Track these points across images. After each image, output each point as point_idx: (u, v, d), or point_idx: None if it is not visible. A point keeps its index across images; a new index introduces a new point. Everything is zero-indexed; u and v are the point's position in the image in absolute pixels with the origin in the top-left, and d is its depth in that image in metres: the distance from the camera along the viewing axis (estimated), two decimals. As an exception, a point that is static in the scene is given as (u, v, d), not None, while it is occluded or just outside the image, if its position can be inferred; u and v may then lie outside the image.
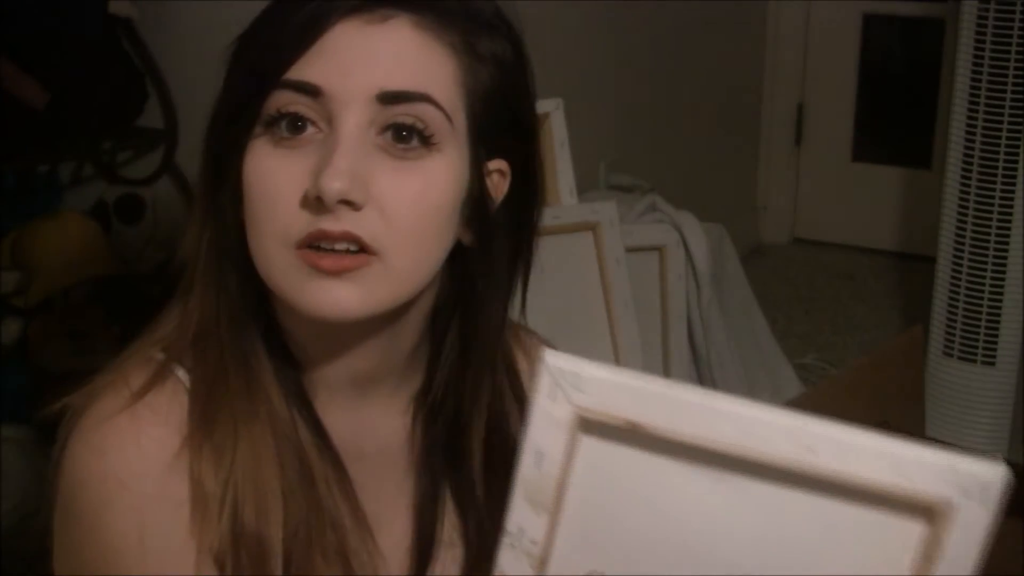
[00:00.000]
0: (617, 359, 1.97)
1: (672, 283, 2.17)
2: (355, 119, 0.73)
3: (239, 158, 0.76)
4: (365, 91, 0.73)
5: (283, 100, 0.74)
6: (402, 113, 0.74)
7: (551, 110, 1.97)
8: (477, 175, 0.79)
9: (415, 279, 0.77)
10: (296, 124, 0.74)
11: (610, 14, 2.75)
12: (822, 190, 3.81)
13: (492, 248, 0.82)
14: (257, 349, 0.80)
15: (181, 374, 0.80)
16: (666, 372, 2.18)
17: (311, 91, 0.73)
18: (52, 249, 1.92)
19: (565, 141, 1.98)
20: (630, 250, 2.05)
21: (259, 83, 0.74)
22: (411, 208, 0.74)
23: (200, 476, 0.77)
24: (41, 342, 1.87)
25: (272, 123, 0.74)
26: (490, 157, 0.80)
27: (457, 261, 0.81)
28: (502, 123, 0.80)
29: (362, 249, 0.73)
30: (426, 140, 0.75)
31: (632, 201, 2.31)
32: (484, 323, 0.84)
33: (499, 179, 0.81)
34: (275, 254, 0.75)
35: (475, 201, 0.79)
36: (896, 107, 3.77)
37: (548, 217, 2.19)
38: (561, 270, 1.97)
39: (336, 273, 0.73)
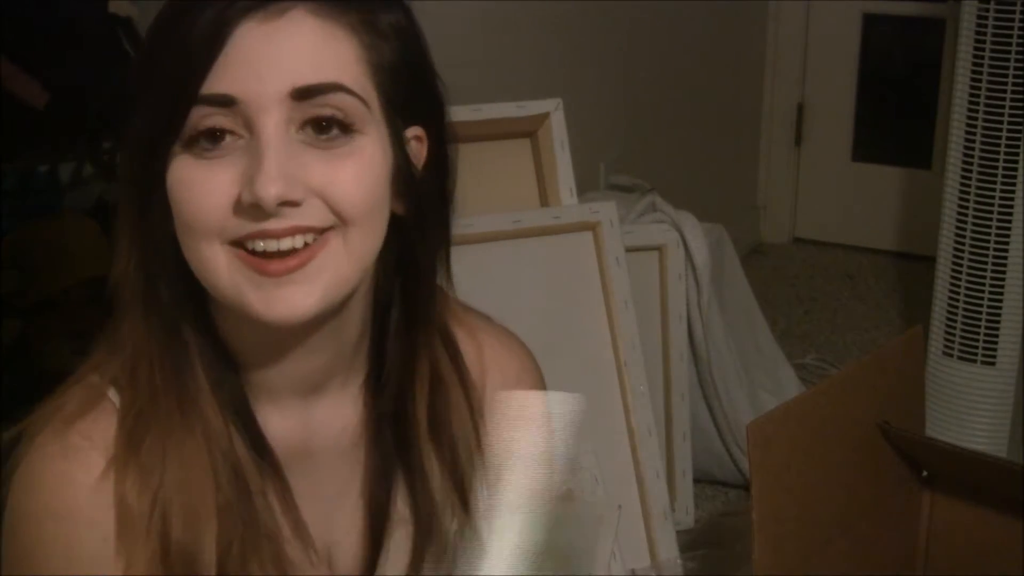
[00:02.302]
0: (617, 359, 1.97)
1: (672, 283, 2.17)
2: (273, 120, 0.73)
3: (161, 177, 0.75)
4: (278, 92, 0.73)
5: (198, 115, 0.73)
6: (318, 105, 0.74)
7: (551, 110, 1.97)
8: (399, 145, 0.80)
9: (367, 256, 0.78)
10: (214, 136, 0.74)
11: (610, 14, 2.74)
12: (822, 190, 3.81)
13: (423, 213, 0.83)
14: (193, 364, 0.80)
15: (112, 394, 0.81)
16: (666, 372, 2.18)
17: (225, 102, 0.73)
18: (52, 249, 1.92)
19: (565, 141, 1.98)
20: (630, 250, 2.05)
21: (172, 102, 0.74)
22: (350, 192, 0.75)
23: (125, 496, 0.78)
24: (41, 342, 1.87)
25: (191, 140, 0.74)
26: (407, 125, 0.81)
27: (391, 235, 0.82)
28: (412, 91, 0.80)
29: (317, 233, 0.74)
30: (347, 128, 0.75)
31: (632, 201, 2.31)
32: (424, 294, 0.85)
33: (417, 145, 0.82)
34: (213, 256, 0.75)
35: (401, 171, 0.80)
36: (896, 107, 3.77)
37: (548, 217, 2.20)
38: (561, 270, 1.97)
39: (284, 274, 0.74)
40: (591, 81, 2.71)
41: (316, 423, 0.85)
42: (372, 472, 0.87)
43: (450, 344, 0.90)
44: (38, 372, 1.84)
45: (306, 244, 0.75)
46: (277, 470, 0.83)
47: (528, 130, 1.98)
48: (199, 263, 0.76)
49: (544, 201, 2.00)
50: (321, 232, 0.75)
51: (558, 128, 1.97)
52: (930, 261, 2.41)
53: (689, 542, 2.12)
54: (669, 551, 1.97)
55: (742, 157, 3.74)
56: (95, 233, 2.00)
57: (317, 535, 0.86)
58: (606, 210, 1.98)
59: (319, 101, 0.74)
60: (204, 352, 0.81)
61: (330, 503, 0.87)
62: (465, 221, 1.84)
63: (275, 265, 0.74)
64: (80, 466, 0.78)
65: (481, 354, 0.93)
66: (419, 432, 0.87)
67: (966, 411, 2.29)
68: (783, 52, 3.72)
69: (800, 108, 3.76)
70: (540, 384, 0.97)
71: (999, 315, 2.23)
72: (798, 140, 3.79)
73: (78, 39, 1.94)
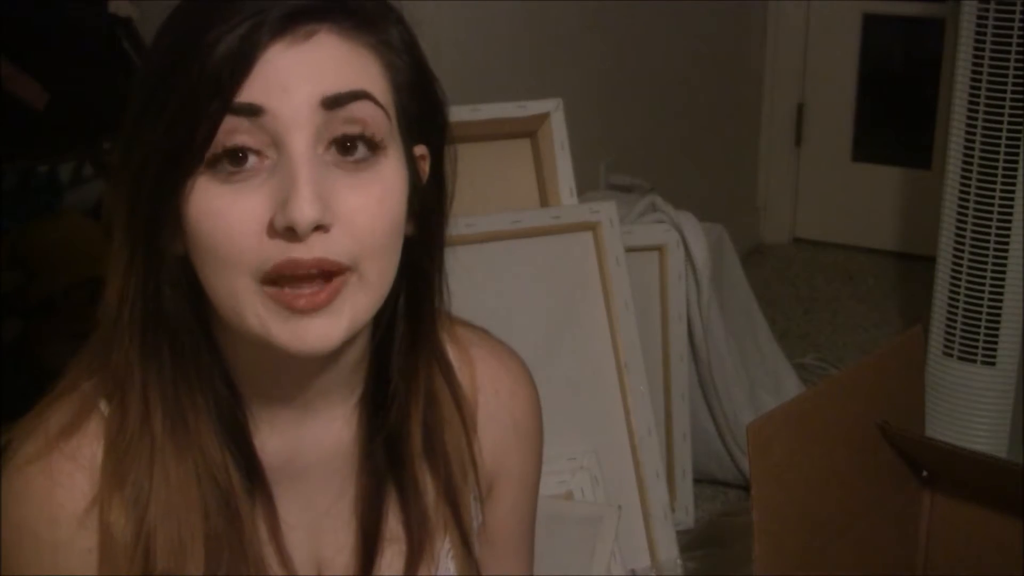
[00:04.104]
0: (617, 359, 1.97)
1: (672, 283, 2.17)
2: (303, 136, 0.72)
3: (177, 201, 0.73)
4: (308, 102, 0.72)
5: (223, 131, 0.71)
6: (346, 119, 0.73)
7: (551, 110, 1.97)
8: (412, 166, 0.79)
9: (387, 285, 0.77)
10: (237, 155, 0.72)
11: (610, 14, 2.75)
12: (822, 190, 3.81)
13: (430, 232, 0.82)
14: (192, 388, 0.79)
15: (103, 406, 0.80)
16: (666, 372, 2.18)
17: (253, 111, 0.71)
18: (52, 249, 1.92)
19: (565, 141, 1.98)
20: (630, 250, 2.05)
21: (195, 120, 0.71)
22: (375, 220, 0.74)
23: (109, 525, 0.77)
24: (41, 342, 1.87)
25: (215, 160, 0.72)
26: (414, 144, 0.80)
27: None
28: (422, 107, 0.80)
29: (336, 272, 0.73)
30: (373, 144, 0.74)
31: (632, 201, 2.31)
32: (428, 311, 0.85)
33: (422, 164, 0.82)
34: (241, 288, 0.73)
35: (414, 191, 0.79)
36: (896, 107, 3.77)
37: (548, 217, 2.20)
38: (561, 270, 1.97)
39: (312, 310, 0.73)
40: (591, 81, 2.71)
41: (308, 440, 0.84)
42: (364, 489, 0.86)
43: (443, 359, 0.89)
44: (38, 372, 1.84)
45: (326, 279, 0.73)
46: (268, 496, 0.82)
47: (528, 130, 1.98)
48: (223, 293, 0.74)
49: (544, 201, 2.00)
50: (343, 270, 0.74)
51: (558, 128, 1.97)
52: (930, 261, 2.41)
53: (689, 542, 2.12)
54: (669, 551, 1.97)
55: (742, 157, 3.74)
56: (95, 233, 1.99)
57: (307, 553, 0.85)
58: (606, 210, 1.98)
59: (347, 113, 0.73)
60: (205, 375, 0.79)
61: (320, 520, 0.86)
62: (465, 221, 1.85)
63: (303, 301, 0.72)
64: (65, 490, 0.77)
65: (474, 369, 0.92)
66: (413, 449, 0.86)
67: (966, 411, 2.29)
68: (783, 52, 3.72)
69: (800, 108, 3.76)
70: (534, 400, 0.96)
71: (999, 315, 2.23)
72: (798, 140, 3.79)
73: (78, 39, 1.94)
